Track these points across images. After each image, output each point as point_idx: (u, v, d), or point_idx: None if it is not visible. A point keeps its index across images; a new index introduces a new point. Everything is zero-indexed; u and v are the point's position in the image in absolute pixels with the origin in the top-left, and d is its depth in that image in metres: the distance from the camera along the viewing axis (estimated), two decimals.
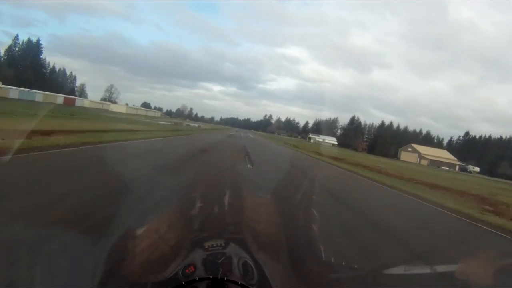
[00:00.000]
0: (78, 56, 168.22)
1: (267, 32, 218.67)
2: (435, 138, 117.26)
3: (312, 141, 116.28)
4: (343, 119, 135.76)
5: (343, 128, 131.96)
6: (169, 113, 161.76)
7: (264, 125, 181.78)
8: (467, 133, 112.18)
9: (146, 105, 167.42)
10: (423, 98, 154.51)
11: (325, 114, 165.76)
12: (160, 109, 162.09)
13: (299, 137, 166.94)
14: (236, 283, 1.50)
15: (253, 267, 1.69)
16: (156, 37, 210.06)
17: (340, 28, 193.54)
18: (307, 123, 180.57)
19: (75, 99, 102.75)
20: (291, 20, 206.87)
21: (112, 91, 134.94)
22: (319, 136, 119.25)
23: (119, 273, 2.43)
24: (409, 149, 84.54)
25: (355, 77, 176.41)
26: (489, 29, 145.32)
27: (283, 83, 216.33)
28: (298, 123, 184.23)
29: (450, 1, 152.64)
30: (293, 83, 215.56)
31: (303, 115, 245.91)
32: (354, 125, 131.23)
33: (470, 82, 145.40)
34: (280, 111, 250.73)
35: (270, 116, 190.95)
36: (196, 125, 74.32)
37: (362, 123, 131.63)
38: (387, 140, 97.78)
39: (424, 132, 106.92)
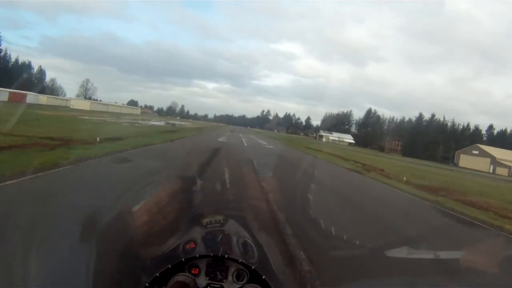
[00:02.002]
0: (70, 57, 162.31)
1: (261, 28, 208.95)
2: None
3: (324, 139, 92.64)
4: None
5: (358, 124, 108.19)
6: (159, 111, 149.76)
7: (261, 122, 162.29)
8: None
9: (133, 103, 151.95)
10: (419, 92, 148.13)
11: (321, 110, 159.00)
12: (151, 107, 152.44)
13: (302, 134, 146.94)
14: (236, 261, 1.48)
15: (253, 245, 1.64)
16: (149, 36, 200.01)
17: (335, 22, 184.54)
18: (308, 118, 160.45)
19: (25, 94, 78.35)
20: (286, 15, 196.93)
21: (88, 87, 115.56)
22: (331, 133, 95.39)
23: None
24: (475, 152, 60.29)
25: (351, 72, 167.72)
26: (487, 20, 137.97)
27: (278, 79, 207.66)
28: (299, 119, 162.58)
29: None
30: (288, 79, 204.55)
31: (300, 111, 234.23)
32: (371, 119, 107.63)
33: (467, 74, 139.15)
34: (275, 107, 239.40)
35: (268, 111, 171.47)
36: (162, 123, 49.75)
37: (381, 116, 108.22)
38: (430, 139, 73.35)
39: (472, 127, 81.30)
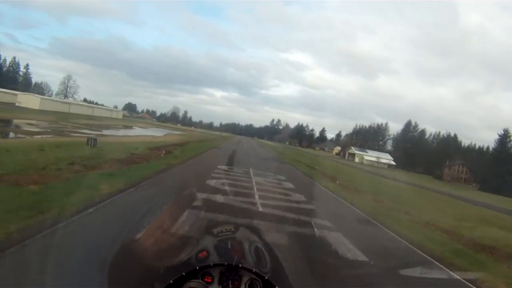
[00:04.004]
0: (79, 59, 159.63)
1: (271, 37, 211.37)
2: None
3: (357, 159, 67.99)
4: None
5: (395, 139, 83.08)
6: (160, 117, 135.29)
7: (270, 132, 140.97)
8: None
9: (131, 107, 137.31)
10: (428, 105, 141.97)
11: (328, 121, 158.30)
12: (153, 113, 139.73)
13: (317, 148, 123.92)
14: (250, 270, 1.45)
15: (266, 252, 1.62)
16: (159, 42, 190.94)
17: (346, 33, 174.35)
18: (323, 130, 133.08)
19: None
20: (296, 25, 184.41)
21: (69, 84, 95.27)
22: (366, 152, 70.53)
23: None
24: None
25: (360, 84, 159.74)
26: (499, 34, 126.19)
27: (287, 89, 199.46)
28: (312, 130, 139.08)
29: (460, 5, 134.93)
30: (297, 89, 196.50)
31: (308, 123, 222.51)
32: (411, 134, 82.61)
33: (478, 88, 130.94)
34: (282, 118, 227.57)
35: (278, 121, 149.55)
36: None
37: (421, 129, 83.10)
38: None
39: None
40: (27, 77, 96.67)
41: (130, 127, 47.96)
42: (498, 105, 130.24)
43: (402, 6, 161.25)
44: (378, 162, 65.67)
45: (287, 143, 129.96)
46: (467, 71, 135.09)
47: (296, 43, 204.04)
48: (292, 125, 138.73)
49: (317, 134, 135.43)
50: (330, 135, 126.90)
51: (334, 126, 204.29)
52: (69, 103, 57.44)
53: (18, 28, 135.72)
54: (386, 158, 69.73)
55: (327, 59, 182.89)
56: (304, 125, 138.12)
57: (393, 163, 70.14)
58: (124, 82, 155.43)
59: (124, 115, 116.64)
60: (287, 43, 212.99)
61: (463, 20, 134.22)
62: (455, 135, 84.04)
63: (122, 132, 36.22)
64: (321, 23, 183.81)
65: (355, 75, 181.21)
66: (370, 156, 67.83)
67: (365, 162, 66.09)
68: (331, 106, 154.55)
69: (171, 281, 1.36)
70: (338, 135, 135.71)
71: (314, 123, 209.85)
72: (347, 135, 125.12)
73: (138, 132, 40.22)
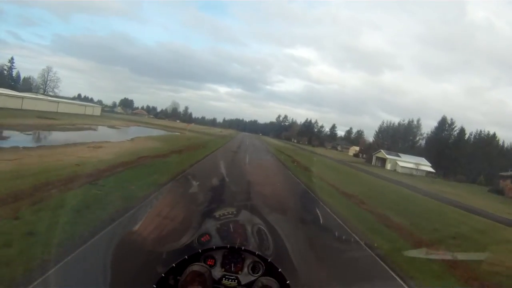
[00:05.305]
0: (82, 56, 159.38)
1: (276, 32, 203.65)
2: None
3: (389, 166, 53.25)
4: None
5: (428, 140, 67.93)
6: (160, 113, 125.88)
7: (277, 129, 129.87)
8: None
9: (127, 102, 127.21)
10: (434, 101, 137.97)
11: (332, 117, 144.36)
12: (153, 109, 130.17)
13: (330, 147, 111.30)
14: (253, 253, 1.44)
15: (268, 235, 1.58)
16: (162, 38, 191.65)
17: (351, 29, 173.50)
18: (334, 127, 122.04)
19: None
20: (301, 20, 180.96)
21: (49, 77, 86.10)
22: (399, 156, 55.52)
23: None
24: None
25: (365, 79, 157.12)
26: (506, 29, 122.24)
27: (292, 85, 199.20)
28: (322, 127, 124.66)
29: (465, 0, 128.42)
30: (302, 84, 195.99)
31: (314, 118, 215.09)
32: (446, 134, 67.32)
33: (484, 84, 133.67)
34: (287, 113, 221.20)
35: (285, 117, 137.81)
36: None
37: (458, 128, 67.67)
38: None
39: None
40: (9, 71, 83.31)
41: (89, 128, 33.84)
42: (504, 101, 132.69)
43: (407, 1, 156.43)
44: (416, 170, 50.90)
45: (294, 140, 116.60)
46: (473, 66, 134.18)
47: (301, 39, 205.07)
48: (298, 121, 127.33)
49: (326, 130, 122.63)
50: (339, 132, 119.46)
51: (338, 121, 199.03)
52: (23, 97, 43.49)
53: (21, 26, 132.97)
54: (425, 164, 54.79)
55: (331, 55, 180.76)
56: (311, 121, 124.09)
57: (432, 169, 55.28)
58: (127, 78, 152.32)
59: (117, 111, 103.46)
60: (292, 39, 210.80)
61: (469, 16, 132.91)
62: (494, 134, 68.87)
63: (58, 138, 22.21)
64: (325, 18, 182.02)
65: (360, 71, 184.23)
66: (406, 162, 52.92)
67: (399, 169, 51.44)
68: (336, 102, 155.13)
69: (174, 265, 1.33)
70: (349, 132, 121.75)
71: (319, 118, 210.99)
72: (358, 132, 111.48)
73: (90, 136, 26.00)
